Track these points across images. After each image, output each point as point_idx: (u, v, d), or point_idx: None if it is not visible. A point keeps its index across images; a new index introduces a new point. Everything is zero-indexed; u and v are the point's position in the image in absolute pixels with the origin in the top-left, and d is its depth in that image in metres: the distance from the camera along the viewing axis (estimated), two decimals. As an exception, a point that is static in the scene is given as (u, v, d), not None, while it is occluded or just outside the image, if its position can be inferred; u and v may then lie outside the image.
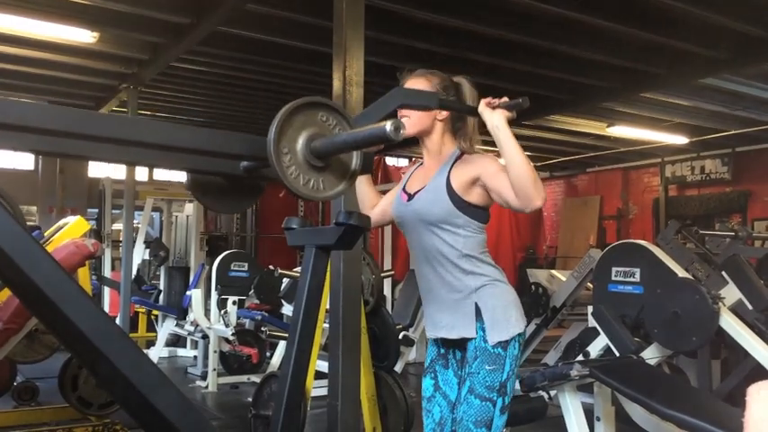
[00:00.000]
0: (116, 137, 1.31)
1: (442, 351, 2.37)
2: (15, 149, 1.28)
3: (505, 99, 2.12)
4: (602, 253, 4.69)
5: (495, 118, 2.10)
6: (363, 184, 2.46)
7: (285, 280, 6.18)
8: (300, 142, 1.40)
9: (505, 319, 2.20)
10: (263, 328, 5.99)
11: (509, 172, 2.06)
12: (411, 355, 6.72)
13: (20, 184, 11.19)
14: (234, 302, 6.58)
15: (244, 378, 6.52)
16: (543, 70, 6.85)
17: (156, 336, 7.85)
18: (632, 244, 4.60)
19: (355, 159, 1.50)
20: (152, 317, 8.50)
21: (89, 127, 1.28)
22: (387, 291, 7.32)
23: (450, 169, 2.24)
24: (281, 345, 5.88)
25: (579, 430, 3.22)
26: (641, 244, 4.45)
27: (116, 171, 9.65)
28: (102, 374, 1.32)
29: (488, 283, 2.22)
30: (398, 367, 4.69)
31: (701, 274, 4.78)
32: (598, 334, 4.45)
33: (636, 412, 3.61)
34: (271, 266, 6.35)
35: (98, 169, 13.30)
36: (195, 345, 7.44)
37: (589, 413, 3.36)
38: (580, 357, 4.63)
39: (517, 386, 3.21)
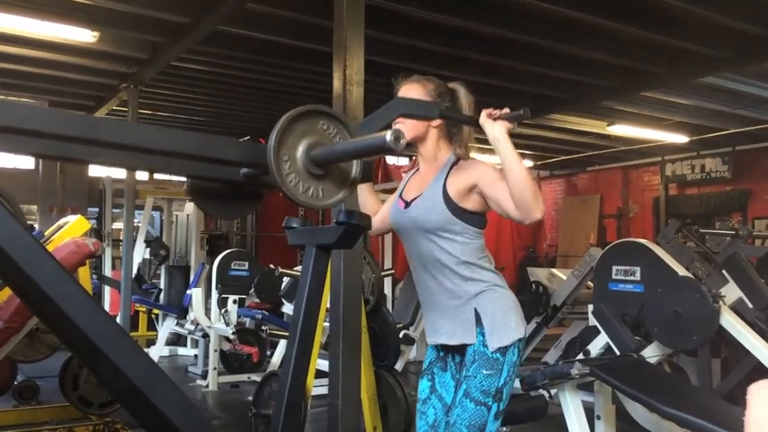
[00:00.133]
0: (117, 142, 1.31)
1: (441, 354, 2.36)
2: (15, 152, 1.28)
3: (506, 110, 2.10)
4: (603, 252, 4.69)
5: (497, 130, 2.09)
6: (365, 192, 2.45)
7: (285, 279, 6.18)
8: (300, 150, 1.41)
9: (505, 324, 2.19)
10: (263, 327, 5.98)
11: (509, 184, 2.05)
12: (411, 353, 6.71)
13: (20, 183, 11.18)
14: (234, 301, 6.59)
15: (244, 377, 6.52)
16: (543, 69, 6.85)
17: (157, 335, 7.86)
18: (633, 243, 4.60)
19: (355, 168, 1.50)
20: (152, 316, 8.51)
21: (90, 131, 1.27)
22: (387, 290, 7.32)
23: (447, 176, 2.23)
24: (282, 344, 5.88)
25: (580, 429, 3.22)
26: (642, 243, 4.45)
27: (116, 170, 9.65)
28: (102, 373, 1.32)
29: (487, 289, 2.21)
30: (399, 366, 4.69)
31: (701, 272, 4.78)
32: (598, 332, 4.45)
33: (636, 411, 3.61)
34: (271, 265, 6.35)
35: (98, 169, 13.30)
36: (196, 344, 7.45)
37: (589, 412, 3.36)
38: (580, 356, 4.63)
39: (517, 385, 3.22)
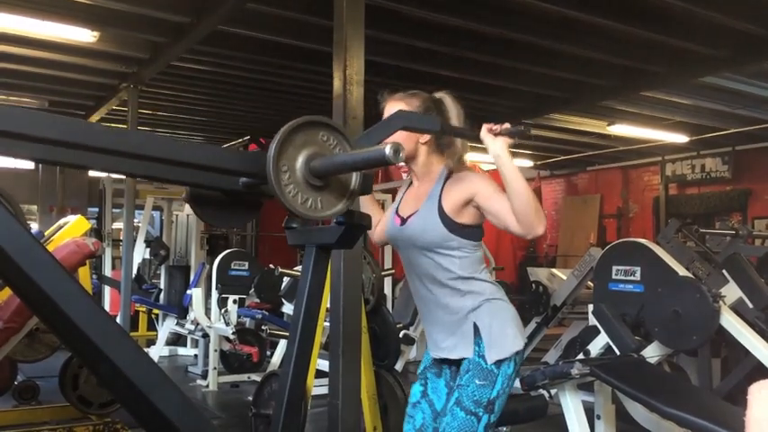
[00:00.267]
0: (116, 149, 1.31)
1: (437, 360, 2.36)
2: (15, 157, 1.29)
3: (507, 125, 2.09)
4: (603, 252, 4.69)
5: (497, 145, 2.08)
6: (367, 204, 2.43)
7: (285, 279, 6.18)
8: (300, 161, 1.41)
9: (503, 336, 2.17)
10: (263, 327, 5.98)
11: (512, 200, 2.04)
12: (411, 353, 6.71)
13: (20, 183, 11.20)
14: (234, 301, 6.59)
15: (244, 377, 6.53)
16: (543, 69, 6.84)
17: (157, 335, 7.86)
18: (633, 243, 4.60)
19: (354, 180, 1.50)
20: (152, 316, 8.51)
21: (89, 138, 1.28)
22: (387, 289, 7.33)
23: (441, 191, 2.21)
24: (282, 343, 5.88)
25: (580, 429, 3.23)
26: (642, 243, 4.45)
27: (116, 170, 9.64)
28: (102, 373, 1.32)
29: (485, 302, 2.20)
30: (399, 366, 4.68)
31: (701, 272, 4.79)
32: (599, 332, 4.45)
33: (636, 411, 3.61)
34: (271, 265, 6.35)
35: (98, 168, 13.29)
36: (196, 343, 7.45)
37: (589, 412, 3.36)
38: (581, 356, 4.63)
39: (518, 384, 3.22)
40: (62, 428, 4.37)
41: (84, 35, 5.91)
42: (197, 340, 7.17)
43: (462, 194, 2.17)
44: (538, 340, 6.26)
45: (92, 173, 12.92)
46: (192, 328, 6.93)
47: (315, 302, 1.59)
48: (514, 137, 2.09)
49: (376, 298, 4.36)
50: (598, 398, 3.38)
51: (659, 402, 2.75)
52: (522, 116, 8.79)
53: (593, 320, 4.58)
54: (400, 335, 4.58)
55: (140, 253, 8.78)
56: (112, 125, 10.25)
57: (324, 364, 4.10)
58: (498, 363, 2.15)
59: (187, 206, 8.96)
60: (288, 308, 6.37)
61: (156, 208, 9.28)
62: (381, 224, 2.45)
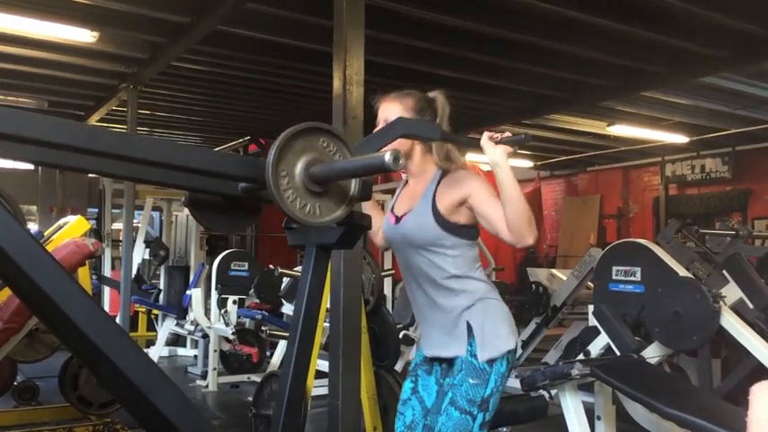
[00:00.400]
0: (115, 153, 1.31)
1: (428, 357, 2.36)
2: (14, 159, 1.29)
3: (508, 134, 2.09)
4: (603, 252, 4.69)
5: (497, 154, 2.08)
6: (369, 209, 2.43)
7: (285, 279, 6.18)
8: (299, 167, 1.41)
9: (495, 335, 2.18)
10: (263, 328, 5.98)
11: (506, 209, 2.05)
12: (411, 353, 6.69)
13: (20, 183, 11.18)
14: (234, 302, 6.59)
15: (244, 377, 6.52)
16: (543, 69, 6.84)
17: (156, 335, 7.86)
18: (633, 243, 4.60)
19: (354, 186, 1.50)
20: (152, 316, 8.51)
21: (90, 142, 1.28)
22: (387, 290, 7.33)
23: (436, 190, 2.22)
24: (282, 344, 5.88)
25: (580, 429, 3.22)
26: (642, 243, 4.45)
27: (116, 170, 9.63)
28: (102, 374, 1.32)
29: (478, 301, 2.20)
30: (399, 366, 4.68)
31: (701, 273, 4.78)
32: (599, 333, 4.45)
33: (636, 411, 3.61)
34: (271, 266, 6.35)
35: (98, 169, 13.29)
36: (195, 344, 7.45)
37: (590, 412, 3.36)
38: (581, 356, 4.63)
39: (518, 385, 3.22)
40: (62, 429, 4.37)
41: (83, 35, 5.91)
42: (197, 341, 7.17)
43: (457, 195, 2.17)
44: (538, 341, 6.26)
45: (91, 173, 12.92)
46: (192, 328, 6.93)
47: (315, 303, 1.59)
48: (514, 146, 2.10)
49: (376, 298, 4.36)
50: (598, 398, 3.38)
51: (659, 403, 2.75)
52: (522, 116, 8.79)
53: (593, 321, 4.57)
54: (400, 335, 4.58)
55: (140, 253, 8.77)
56: (112, 126, 10.26)
57: (324, 365, 4.09)
58: (491, 361, 2.16)
59: (187, 207, 8.96)
60: (287, 308, 6.37)
61: (155, 208, 9.27)
62: (381, 229, 2.46)
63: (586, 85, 7.45)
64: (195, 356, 7.47)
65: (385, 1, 5.19)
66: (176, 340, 8.19)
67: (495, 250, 10.96)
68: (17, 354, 4.69)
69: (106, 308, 8.50)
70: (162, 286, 8.32)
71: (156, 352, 7.34)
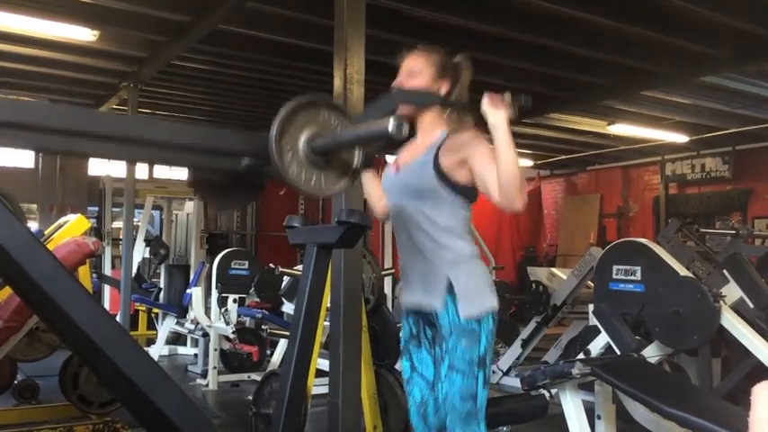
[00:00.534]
0: (119, 135, 1.31)
1: (414, 331, 2.40)
2: (19, 147, 1.28)
3: (508, 96, 2.12)
4: (604, 251, 4.69)
5: (497, 117, 2.11)
6: (370, 181, 2.48)
7: (285, 278, 6.18)
8: (302, 140, 1.40)
9: (477, 294, 2.22)
10: (263, 326, 5.98)
11: (498, 171, 2.08)
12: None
13: (20, 182, 11.19)
14: (234, 300, 6.58)
15: (244, 376, 6.52)
16: (544, 68, 6.84)
17: (157, 334, 7.85)
18: (633, 242, 4.59)
19: (357, 157, 1.50)
20: (152, 315, 8.50)
21: (93, 125, 1.28)
22: (387, 289, 7.32)
23: (441, 146, 2.26)
24: (282, 343, 5.88)
25: (580, 428, 3.22)
26: (642, 242, 4.45)
27: (116, 169, 9.64)
28: (102, 372, 1.32)
29: (462, 260, 2.25)
30: (399, 365, 4.68)
31: (701, 272, 4.78)
32: (599, 332, 4.45)
33: (637, 411, 3.61)
34: (271, 264, 6.34)
35: (98, 168, 13.30)
36: (195, 343, 7.44)
37: (590, 411, 3.36)
38: (581, 356, 4.63)
39: (518, 384, 3.22)
40: (62, 427, 4.36)
41: (83, 34, 5.91)
42: (197, 339, 7.16)
43: (459, 153, 2.22)
44: (538, 340, 6.25)
45: (92, 171, 12.91)
46: (192, 327, 6.92)
47: (315, 302, 1.59)
48: (514, 107, 2.13)
49: (376, 297, 4.36)
50: (598, 398, 3.37)
51: (660, 402, 2.75)
52: (522, 116, 8.78)
53: (593, 320, 4.57)
54: (400, 334, 4.58)
55: (140, 252, 8.77)
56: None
57: (324, 364, 4.09)
58: (477, 320, 2.19)
59: (187, 205, 8.96)
60: (288, 307, 6.36)
61: (155, 207, 9.27)
62: (384, 199, 2.50)
63: (587, 85, 7.45)
64: (195, 355, 7.47)
65: (386, 0, 5.19)
66: (176, 339, 8.18)
67: (494, 250, 10.97)
68: (17, 352, 4.68)
69: (106, 306, 8.49)
70: (162, 285, 8.31)
71: (157, 351, 7.33)
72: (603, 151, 11.60)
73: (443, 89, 2.32)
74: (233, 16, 5.51)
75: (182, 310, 7.28)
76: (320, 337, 4.63)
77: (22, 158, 12.71)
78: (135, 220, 8.36)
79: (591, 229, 12.68)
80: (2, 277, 1.62)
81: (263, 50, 6.45)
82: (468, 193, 2.26)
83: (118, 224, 9.71)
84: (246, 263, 7.12)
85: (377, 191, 2.50)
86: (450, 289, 2.21)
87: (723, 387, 4.62)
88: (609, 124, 9.33)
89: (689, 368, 4.85)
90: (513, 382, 5.81)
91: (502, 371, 6.11)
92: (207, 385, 6.20)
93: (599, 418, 3.38)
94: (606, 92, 7.67)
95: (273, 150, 1.35)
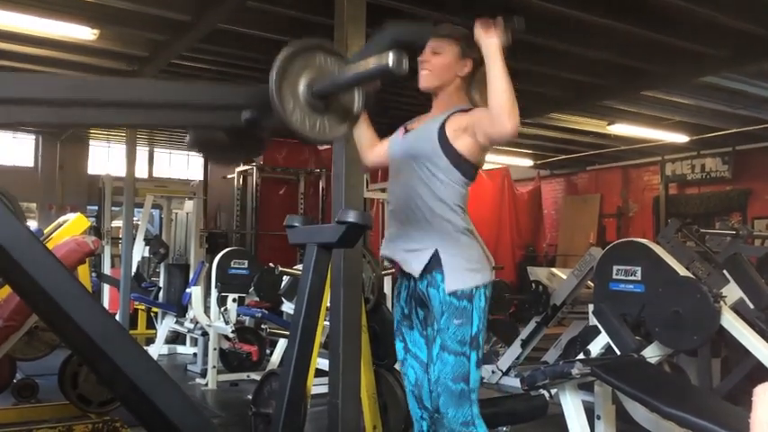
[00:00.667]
0: (114, 100, 1.29)
1: (406, 311, 2.40)
2: (19, 122, 1.26)
3: (500, 21, 2.13)
4: (604, 251, 4.68)
5: (491, 43, 2.14)
6: (362, 123, 2.50)
7: (285, 277, 6.17)
8: (302, 85, 1.38)
9: (467, 269, 2.22)
10: (263, 326, 5.97)
11: (490, 96, 2.09)
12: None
13: (20, 181, 11.20)
14: (234, 300, 6.58)
15: (244, 375, 6.51)
16: (543, 68, 6.84)
17: (156, 333, 7.85)
18: (633, 242, 4.59)
19: (357, 99, 1.48)
20: (151, 314, 8.50)
21: (87, 93, 1.26)
22: (387, 288, 7.31)
23: (450, 115, 2.28)
24: (281, 342, 5.88)
25: (580, 429, 3.22)
26: (642, 242, 4.44)
27: (116, 168, 9.64)
28: (102, 372, 1.31)
29: (453, 233, 2.24)
30: (398, 365, 4.68)
31: (701, 272, 4.77)
32: (599, 332, 4.45)
33: (637, 411, 3.61)
34: (271, 264, 6.34)
35: (98, 167, 13.31)
36: (195, 342, 7.44)
37: (590, 411, 3.35)
38: (581, 356, 4.62)
39: (518, 384, 3.22)
40: (61, 427, 4.36)
41: (84, 33, 5.90)
42: (196, 339, 7.15)
43: (465, 121, 2.23)
44: (537, 340, 6.25)
45: (91, 170, 12.92)
46: (192, 326, 6.92)
47: (315, 301, 1.59)
48: (507, 32, 2.16)
49: (376, 297, 4.35)
50: (598, 398, 3.37)
51: (659, 402, 2.74)
52: (522, 115, 8.75)
53: (593, 320, 4.56)
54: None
55: (139, 251, 8.76)
56: (113, 124, 10.24)
57: (324, 363, 4.09)
58: (469, 297, 2.19)
59: (187, 204, 8.95)
60: (287, 306, 6.36)
61: (155, 206, 9.26)
62: (378, 147, 2.53)
63: (587, 85, 7.45)
64: (195, 354, 7.46)
65: (386, -1, 5.20)
66: (176, 338, 8.17)
67: (494, 249, 10.98)
68: (17, 351, 4.68)
69: (106, 305, 8.48)
70: (161, 284, 8.31)
71: (156, 350, 7.33)
72: (603, 151, 11.61)
73: (467, 68, 2.35)
74: (234, 15, 5.51)
75: (181, 310, 7.27)
76: (320, 337, 4.63)
77: (22, 157, 12.71)
78: (134, 218, 8.36)
79: (591, 229, 12.68)
80: (1, 276, 1.62)
81: (263, 50, 6.45)
82: (467, 169, 2.26)
83: (117, 223, 9.72)
84: (246, 262, 7.11)
85: (367, 135, 2.53)
86: (439, 263, 2.20)
87: (723, 387, 4.62)
88: (609, 124, 9.34)
89: (689, 368, 4.85)
90: (513, 382, 5.80)
91: (501, 371, 6.10)
92: (206, 384, 6.20)
93: (599, 418, 3.37)
94: (606, 92, 7.67)
95: (275, 99, 1.32)
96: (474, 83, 2.35)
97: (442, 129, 2.24)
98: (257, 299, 7.09)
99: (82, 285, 1.29)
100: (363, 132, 2.52)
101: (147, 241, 8.91)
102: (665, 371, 4.24)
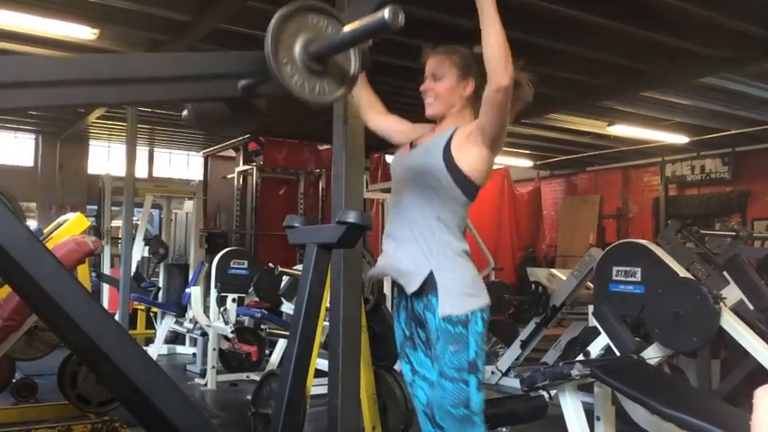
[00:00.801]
0: (108, 77, 1.27)
1: (408, 333, 2.38)
2: (17, 107, 1.24)
3: None
4: (604, 252, 4.68)
5: None
6: (361, 84, 2.49)
7: (285, 278, 6.17)
8: (297, 48, 1.37)
9: (462, 293, 2.19)
10: (262, 326, 5.97)
11: (484, 48, 2.08)
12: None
13: (19, 180, 11.19)
14: (233, 300, 6.58)
15: (243, 376, 6.51)
16: (542, 68, 6.82)
17: (155, 333, 7.85)
18: (633, 243, 4.59)
19: (353, 60, 1.47)
20: (151, 314, 8.50)
21: (78, 72, 1.24)
22: (387, 289, 7.31)
23: (457, 131, 2.27)
24: (281, 342, 5.88)
25: (580, 430, 3.22)
26: (642, 243, 4.44)
27: (116, 168, 9.64)
28: (101, 372, 1.31)
29: (451, 256, 2.22)
30: (398, 366, 4.69)
31: (701, 273, 4.78)
32: (599, 333, 4.45)
33: (636, 412, 3.61)
34: (270, 264, 6.34)
35: (98, 166, 13.31)
36: (194, 342, 7.44)
37: (589, 412, 3.35)
38: (581, 357, 4.62)
39: (517, 385, 3.21)
40: (60, 427, 4.36)
41: (84, 32, 5.91)
42: (196, 339, 7.15)
43: (469, 127, 2.23)
44: (537, 341, 6.25)
45: (91, 170, 12.91)
46: (191, 326, 6.92)
47: (315, 302, 1.59)
48: None
49: (376, 297, 4.35)
50: (598, 399, 3.37)
51: (659, 404, 2.74)
52: (522, 115, 8.77)
53: (592, 321, 4.56)
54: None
55: (139, 251, 8.76)
56: (113, 123, 10.25)
57: (323, 364, 4.09)
58: (464, 323, 2.15)
59: (186, 204, 8.95)
60: (287, 307, 6.36)
61: (155, 206, 9.26)
62: (384, 116, 2.53)
63: (586, 85, 7.45)
64: (194, 354, 7.46)
65: (386, -1, 5.19)
66: (175, 338, 8.17)
67: (494, 250, 10.98)
68: (16, 351, 4.68)
69: (105, 305, 8.48)
70: (161, 284, 8.31)
71: (155, 350, 7.32)
72: (603, 152, 11.61)
73: (470, 87, 2.33)
74: (234, 15, 5.51)
75: (180, 310, 7.27)
76: (320, 337, 4.63)
77: (22, 157, 12.71)
78: (134, 218, 8.36)
79: (590, 230, 12.69)
80: (1, 276, 1.62)
81: (264, 49, 6.44)
82: (468, 187, 2.24)
83: (117, 223, 9.71)
84: (246, 262, 7.11)
85: (367, 97, 2.53)
86: (434, 286, 2.18)
87: (722, 389, 4.62)
88: (608, 125, 9.34)
89: (688, 370, 4.85)
90: (513, 382, 5.80)
91: (501, 371, 6.10)
92: (206, 385, 6.20)
93: (598, 419, 3.37)
94: (606, 92, 7.67)
95: (272, 63, 1.30)
96: (479, 99, 2.34)
97: (447, 146, 2.22)
98: (257, 299, 7.09)
99: (81, 285, 1.29)
100: (362, 92, 2.52)
101: (147, 241, 8.90)
102: (664, 372, 4.24)
